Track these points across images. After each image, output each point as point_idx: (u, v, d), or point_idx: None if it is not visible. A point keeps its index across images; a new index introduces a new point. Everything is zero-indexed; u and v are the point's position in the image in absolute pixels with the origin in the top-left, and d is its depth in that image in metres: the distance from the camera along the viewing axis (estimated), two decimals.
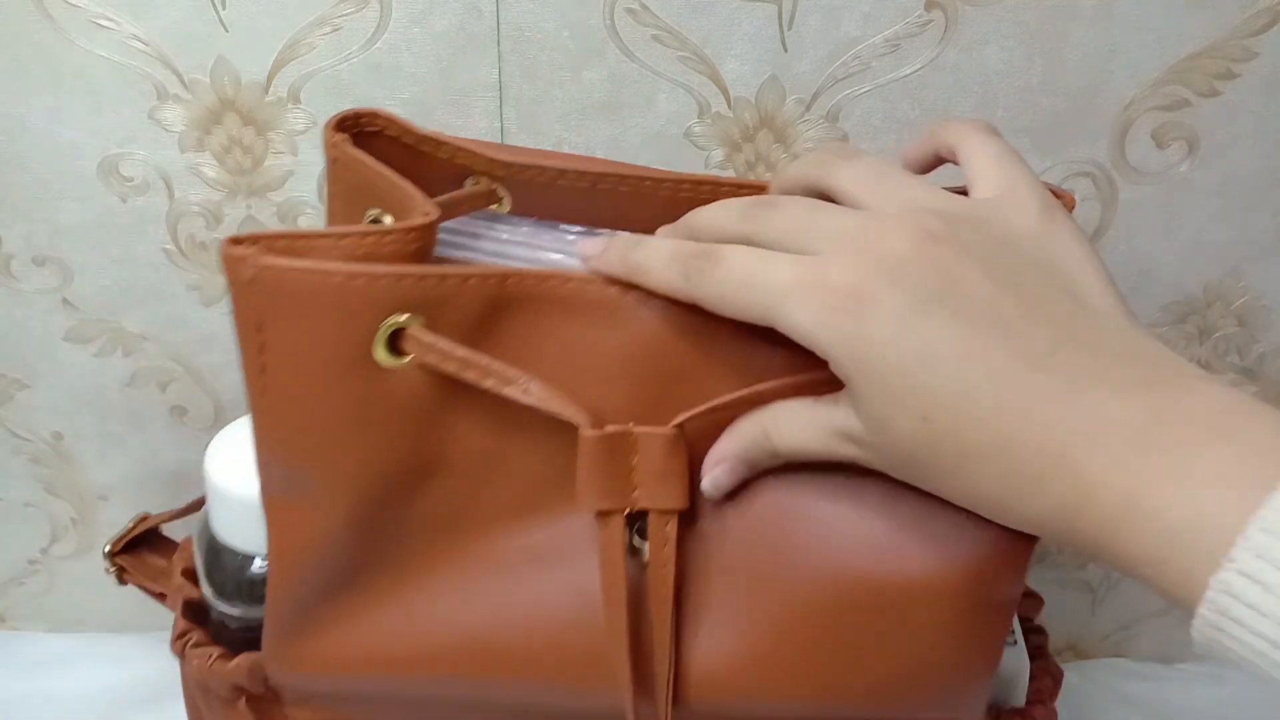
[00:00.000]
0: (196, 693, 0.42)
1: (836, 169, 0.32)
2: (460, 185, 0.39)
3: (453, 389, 0.33)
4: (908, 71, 0.45)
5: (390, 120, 0.39)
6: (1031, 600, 0.49)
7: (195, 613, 0.43)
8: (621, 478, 0.33)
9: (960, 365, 0.26)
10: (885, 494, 0.33)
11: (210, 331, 0.51)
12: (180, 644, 0.40)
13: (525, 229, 0.38)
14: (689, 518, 0.34)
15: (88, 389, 0.53)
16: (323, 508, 0.34)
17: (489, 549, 0.36)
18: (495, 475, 0.35)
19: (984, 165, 0.32)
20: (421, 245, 0.33)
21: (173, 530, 0.52)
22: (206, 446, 0.54)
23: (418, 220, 0.33)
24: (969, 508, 0.29)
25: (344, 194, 0.38)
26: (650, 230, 0.37)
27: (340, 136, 0.37)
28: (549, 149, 0.45)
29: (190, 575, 0.44)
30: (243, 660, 0.38)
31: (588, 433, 0.32)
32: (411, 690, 0.36)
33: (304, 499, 0.34)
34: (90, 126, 0.46)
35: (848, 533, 0.34)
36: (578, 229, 0.39)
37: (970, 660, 0.35)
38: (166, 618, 0.45)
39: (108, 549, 0.49)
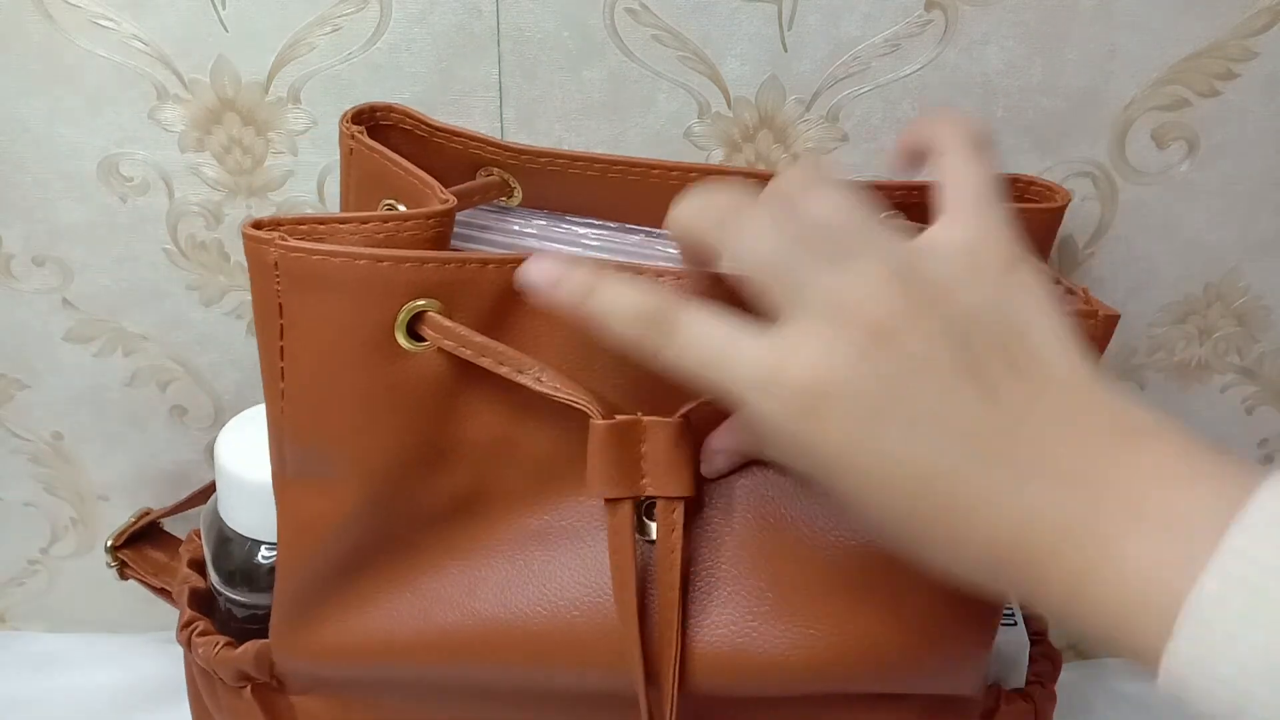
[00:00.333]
0: (201, 683, 0.42)
1: (752, 233, 0.30)
2: (472, 178, 0.40)
3: (468, 374, 0.35)
4: (908, 71, 0.45)
5: (405, 114, 0.40)
6: None
7: (201, 603, 0.43)
8: (631, 465, 0.34)
9: (914, 477, 0.27)
10: None
11: (210, 331, 0.51)
12: (186, 633, 0.41)
13: (538, 222, 0.39)
14: (695, 502, 0.35)
15: (88, 389, 0.53)
16: (338, 490, 0.35)
17: (498, 533, 0.37)
18: (506, 460, 0.36)
19: (959, 198, 0.31)
20: (440, 231, 0.34)
21: (173, 527, 0.52)
22: (206, 446, 0.54)
23: (437, 206, 0.34)
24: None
25: (359, 185, 0.39)
26: (661, 222, 0.38)
27: (356, 128, 0.39)
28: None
29: (197, 566, 0.44)
30: (249, 647, 0.38)
31: (599, 422, 0.34)
32: (420, 675, 0.37)
33: (320, 482, 0.35)
34: (90, 126, 0.46)
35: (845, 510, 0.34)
36: (589, 222, 0.39)
37: (967, 631, 0.36)
38: (166, 618, 0.45)
39: (109, 543, 0.49)
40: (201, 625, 0.41)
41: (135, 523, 0.50)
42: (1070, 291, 0.32)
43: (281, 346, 0.33)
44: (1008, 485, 0.26)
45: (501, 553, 0.36)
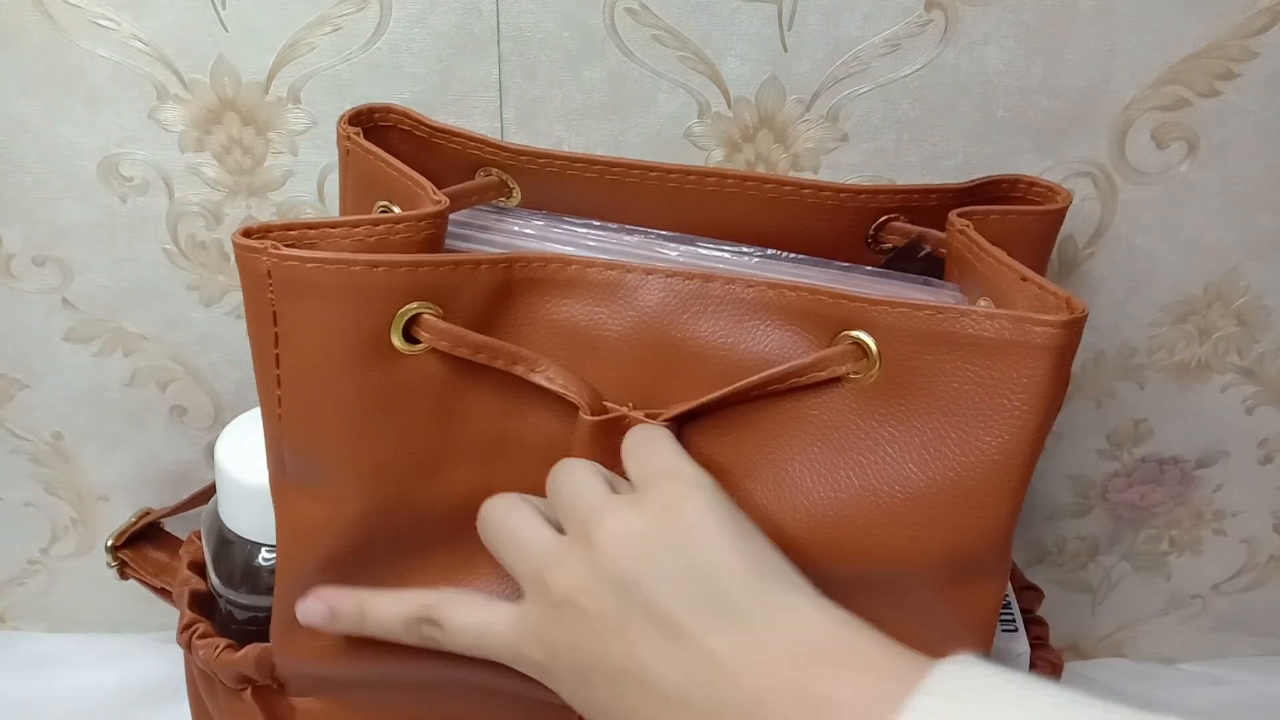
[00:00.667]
0: (201, 685, 0.42)
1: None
2: (471, 178, 0.40)
3: (461, 373, 0.35)
4: (908, 71, 0.45)
5: (404, 115, 0.40)
6: (1032, 593, 0.49)
7: (202, 605, 0.43)
8: (614, 459, 0.35)
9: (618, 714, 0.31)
10: (864, 476, 0.34)
11: (210, 331, 0.51)
12: (186, 635, 0.41)
13: (536, 222, 0.39)
14: None
15: (88, 389, 0.53)
16: (339, 495, 0.35)
17: None
18: (499, 458, 0.36)
19: (629, 467, 0.34)
20: (433, 233, 0.35)
21: (173, 527, 0.52)
22: (206, 446, 0.54)
23: (429, 208, 0.34)
24: None
25: (355, 185, 0.39)
26: (659, 223, 0.38)
27: (353, 129, 0.39)
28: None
29: (197, 568, 0.44)
30: (250, 650, 0.38)
31: (585, 417, 0.34)
32: (419, 676, 0.37)
33: (319, 486, 0.35)
34: (90, 126, 0.46)
35: (829, 511, 0.35)
36: (588, 222, 0.39)
37: (963, 633, 0.36)
38: (166, 618, 0.45)
39: (109, 543, 0.49)
40: (202, 627, 0.41)
41: (135, 523, 0.50)
42: (1053, 295, 0.32)
43: (277, 355, 0.33)
44: None
45: None
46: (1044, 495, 0.57)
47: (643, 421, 0.35)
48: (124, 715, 0.54)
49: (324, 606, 0.36)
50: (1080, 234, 0.49)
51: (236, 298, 0.50)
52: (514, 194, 0.40)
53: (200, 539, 0.44)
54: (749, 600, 0.30)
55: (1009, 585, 0.47)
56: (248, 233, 0.32)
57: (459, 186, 0.38)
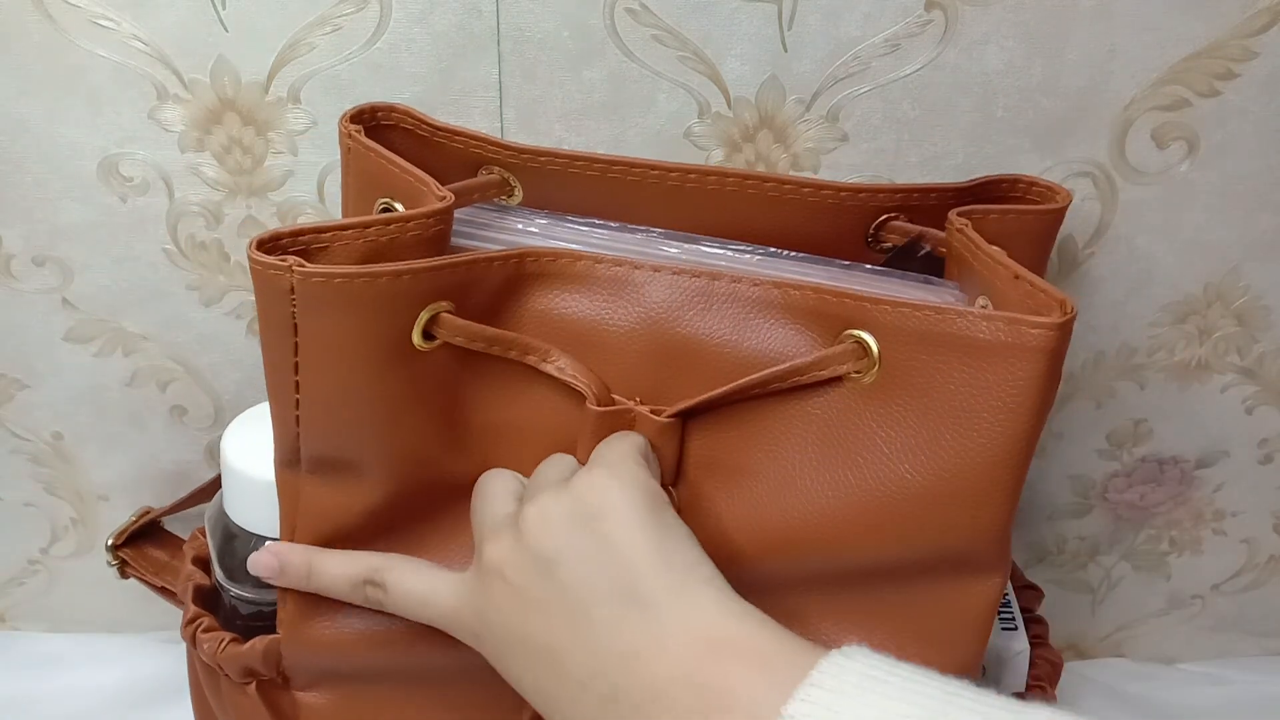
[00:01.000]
0: (204, 680, 0.42)
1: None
2: (473, 177, 0.41)
3: (473, 365, 0.36)
4: (908, 71, 0.45)
5: (406, 114, 0.41)
6: (1031, 592, 0.49)
7: (206, 600, 0.43)
8: None
9: (531, 678, 0.33)
10: (862, 475, 0.35)
11: (210, 331, 0.51)
12: (190, 629, 0.41)
13: (540, 221, 0.39)
14: (679, 488, 0.37)
15: (88, 389, 0.53)
16: (361, 485, 0.36)
17: None
18: (512, 445, 0.37)
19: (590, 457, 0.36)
20: (441, 229, 0.36)
21: (173, 526, 0.52)
22: (206, 446, 0.54)
23: (436, 205, 0.35)
24: None
25: (356, 184, 0.40)
26: (660, 222, 0.39)
27: (354, 127, 0.39)
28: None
29: (201, 564, 0.44)
30: (257, 643, 0.39)
31: (592, 408, 0.35)
32: (430, 663, 0.38)
33: (341, 478, 0.36)
34: (90, 126, 0.46)
35: (828, 508, 0.35)
36: (590, 221, 0.40)
37: (960, 631, 0.37)
38: (166, 618, 0.45)
39: (110, 542, 0.49)
40: (206, 621, 0.41)
41: (135, 521, 0.50)
42: (1043, 293, 0.32)
43: (296, 362, 0.34)
44: (575, 693, 0.31)
45: None
46: (1044, 495, 0.57)
47: (648, 416, 0.36)
48: (124, 715, 0.54)
49: (274, 560, 0.37)
50: (1080, 234, 0.49)
51: (236, 298, 0.50)
52: (516, 192, 0.40)
53: (205, 535, 0.44)
54: (657, 590, 0.31)
55: (1009, 584, 0.47)
56: (261, 245, 0.32)
57: (461, 184, 0.39)
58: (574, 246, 0.38)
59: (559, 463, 0.36)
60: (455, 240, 0.37)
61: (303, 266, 0.32)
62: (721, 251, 0.39)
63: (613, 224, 0.40)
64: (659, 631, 0.30)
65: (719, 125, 0.46)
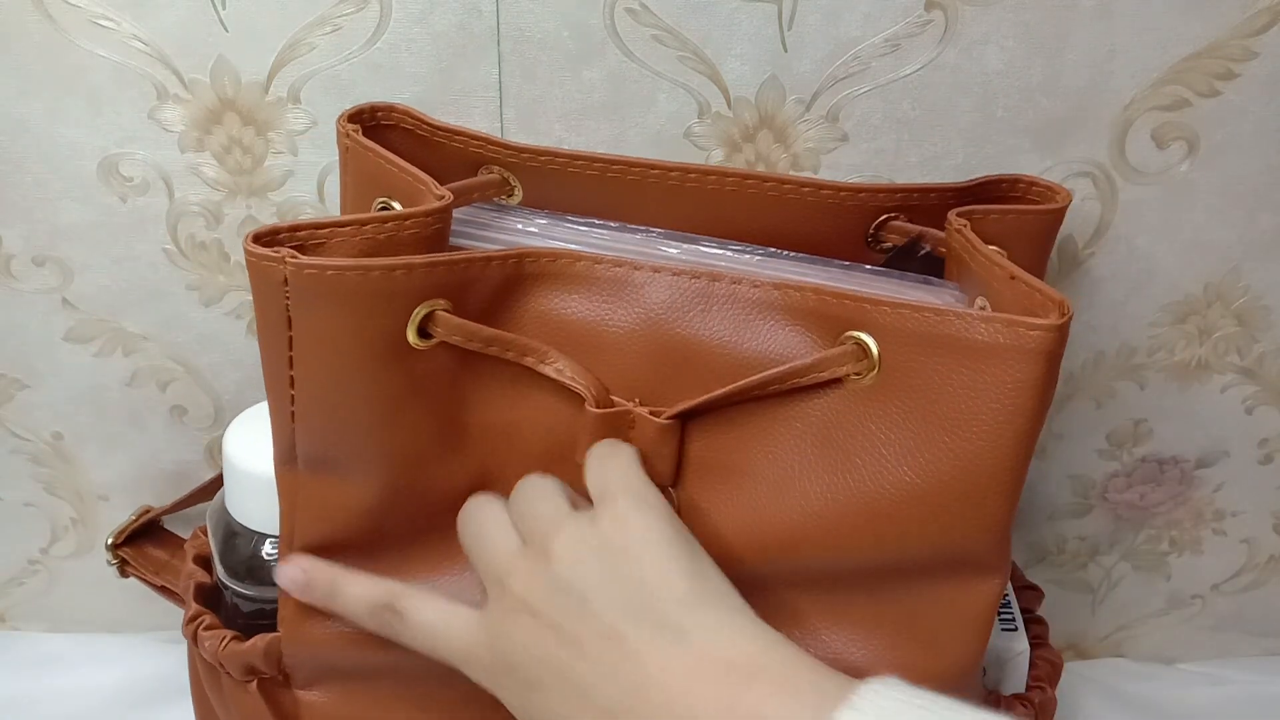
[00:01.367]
0: (205, 678, 0.42)
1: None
2: (473, 176, 0.41)
3: (471, 365, 0.36)
4: (908, 71, 0.45)
5: (406, 113, 0.41)
6: (1032, 593, 0.49)
7: (207, 598, 0.43)
8: None
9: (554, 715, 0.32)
10: (861, 477, 0.34)
11: (210, 331, 0.51)
12: (192, 627, 0.41)
13: (539, 221, 0.39)
14: (678, 490, 0.37)
15: (88, 389, 0.53)
16: (358, 483, 0.36)
17: None
18: (510, 445, 0.37)
19: (589, 478, 0.35)
20: (440, 228, 0.35)
21: (173, 526, 0.52)
22: (206, 446, 0.54)
23: (434, 204, 0.35)
24: None
25: (355, 183, 0.40)
26: (660, 222, 0.39)
27: (351, 127, 0.39)
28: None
29: (202, 562, 0.44)
30: (259, 640, 0.39)
31: (591, 409, 0.35)
32: (428, 662, 0.38)
33: (338, 476, 0.36)
34: (90, 126, 0.46)
35: (827, 510, 0.35)
36: (590, 221, 0.40)
37: (959, 631, 0.37)
38: (166, 618, 0.45)
39: (110, 541, 0.49)
40: (208, 619, 0.41)
41: (135, 520, 0.50)
42: (1039, 293, 0.32)
43: (291, 357, 0.34)
44: None
45: None
46: (1044, 495, 0.57)
47: (647, 417, 0.36)
48: (124, 715, 0.54)
49: (302, 574, 0.37)
50: (1080, 234, 0.49)
51: (236, 298, 0.50)
52: (515, 192, 0.40)
53: (206, 533, 0.44)
54: (687, 617, 0.31)
55: (1009, 585, 0.47)
56: (258, 238, 0.32)
57: (461, 183, 0.39)
58: (574, 246, 0.38)
59: (549, 492, 0.35)
60: (455, 240, 0.37)
61: (296, 258, 0.32)
62: (721, 252, 0.39)
63: (612, 224, 0.40)
64: (693, 662, 0.30)
65: (719, 125, 0.46)
